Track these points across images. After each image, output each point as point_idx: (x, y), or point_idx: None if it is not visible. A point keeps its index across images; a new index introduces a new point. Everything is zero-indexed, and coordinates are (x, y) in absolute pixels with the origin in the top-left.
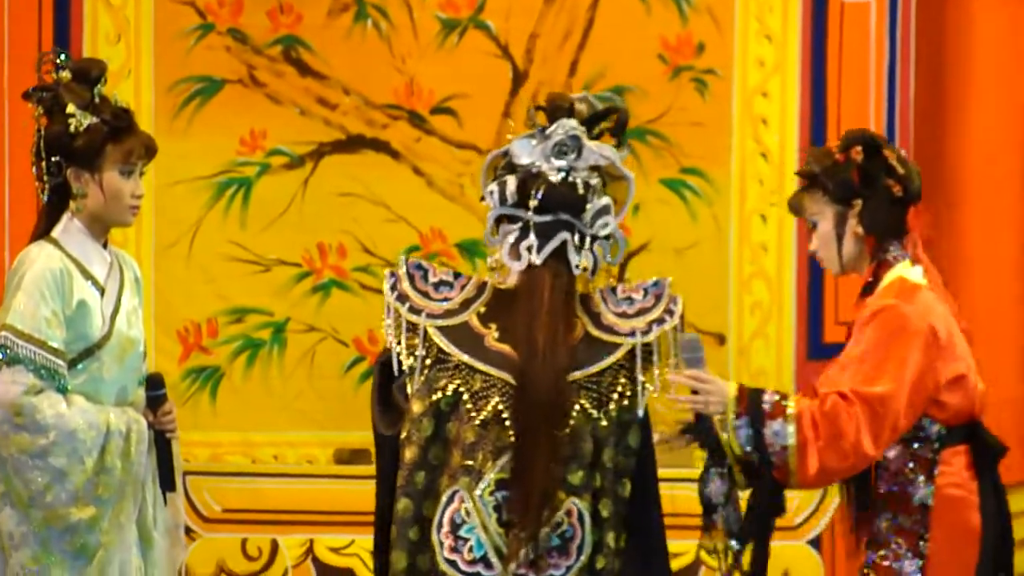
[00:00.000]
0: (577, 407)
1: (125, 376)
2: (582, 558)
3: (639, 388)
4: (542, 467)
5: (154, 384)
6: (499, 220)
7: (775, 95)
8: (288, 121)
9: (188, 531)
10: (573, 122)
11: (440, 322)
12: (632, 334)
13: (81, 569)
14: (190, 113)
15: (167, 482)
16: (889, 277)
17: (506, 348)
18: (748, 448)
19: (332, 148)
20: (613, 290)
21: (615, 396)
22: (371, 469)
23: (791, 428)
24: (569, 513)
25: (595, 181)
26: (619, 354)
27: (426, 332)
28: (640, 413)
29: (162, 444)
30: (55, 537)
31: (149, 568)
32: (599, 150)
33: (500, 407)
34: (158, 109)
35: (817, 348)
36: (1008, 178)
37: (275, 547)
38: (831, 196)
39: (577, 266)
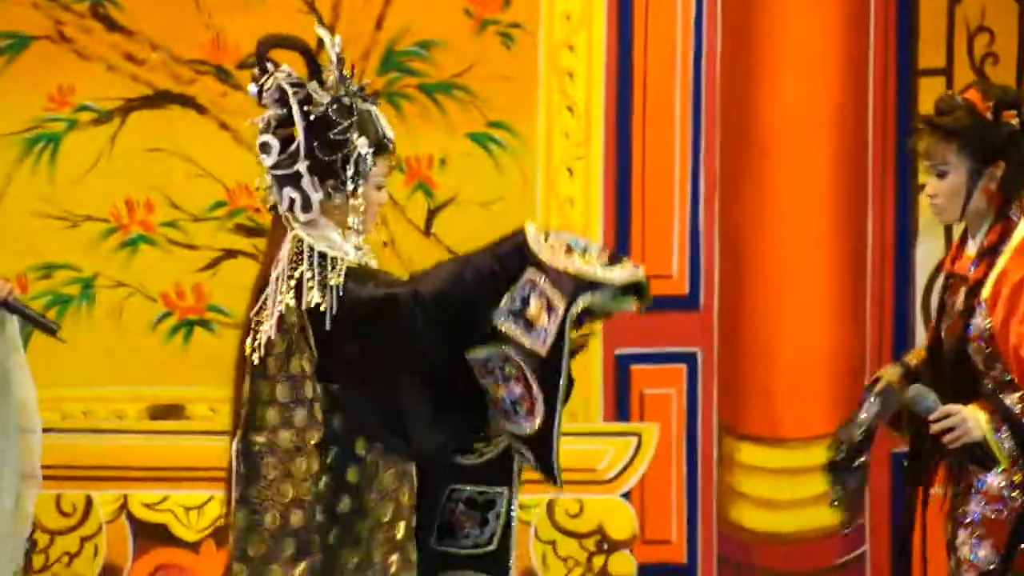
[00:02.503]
0: None
1: None
2: None
3: None
4: None
5: None
6: None
7: (581, 49)
8: (96, 77)
9: None
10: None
11: None
12: None
13: None
14: None
15: (45, 325)
16: (1016, 237)
17: None
18: (1014, 455)
19: (140, 103)
20: None
21: None
22: (184, 424)
23: None
24: None
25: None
26: None
27: None
28: None
29: (6, 305)
30: None
31: None
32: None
33: None
34: None
35: None
36: (816, 127)
37: (89, 503)
38: (972, 153)
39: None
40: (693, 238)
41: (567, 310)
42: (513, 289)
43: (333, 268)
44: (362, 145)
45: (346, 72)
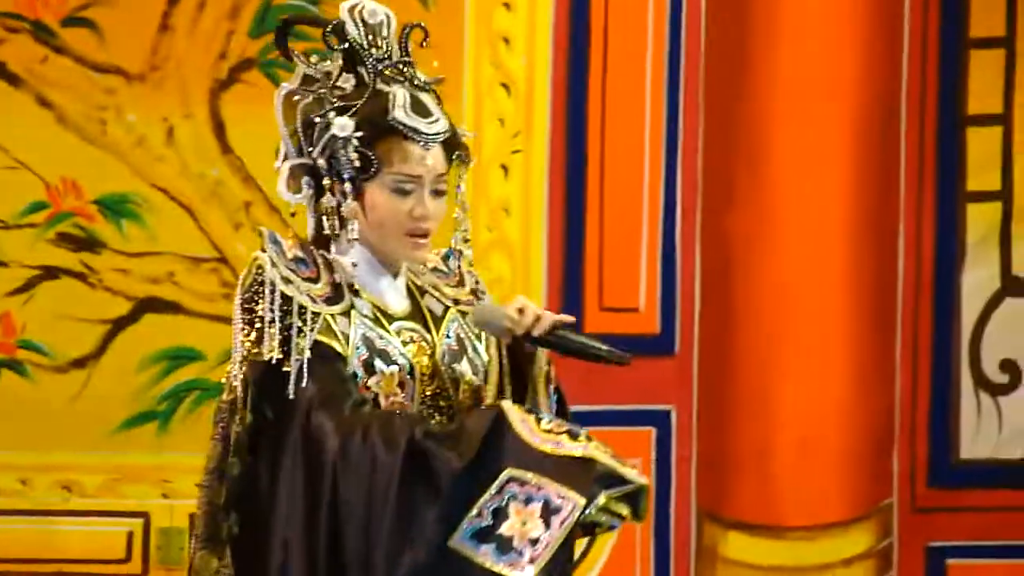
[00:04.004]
0: None
1: None
2: None
3: None
4: None
5: None
6: None
7: (521, 7)
8: None
9: None
10: None
11: None
12: None
13: None
14: None
15: None
16: None
17: None
18: None
19: None
20: None
21: None
22: None
23: None
24: None
25: None
26: None
27: None
28: None
29: None
30: None
31: None
32: None
33: None
34: None
35: None
36: (831, 116)
37: None
38: None
39: None
40: (667, 261)
41: (584, 509)
42: (483, 498)
43: (303, 321)
44: (340, 127)
45: (373, 44)
